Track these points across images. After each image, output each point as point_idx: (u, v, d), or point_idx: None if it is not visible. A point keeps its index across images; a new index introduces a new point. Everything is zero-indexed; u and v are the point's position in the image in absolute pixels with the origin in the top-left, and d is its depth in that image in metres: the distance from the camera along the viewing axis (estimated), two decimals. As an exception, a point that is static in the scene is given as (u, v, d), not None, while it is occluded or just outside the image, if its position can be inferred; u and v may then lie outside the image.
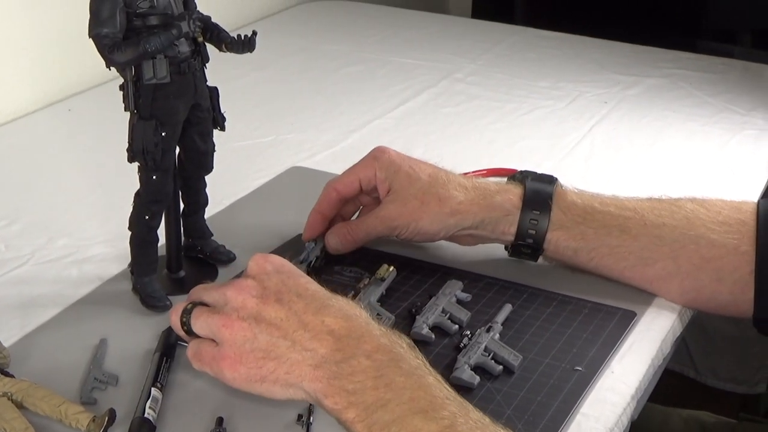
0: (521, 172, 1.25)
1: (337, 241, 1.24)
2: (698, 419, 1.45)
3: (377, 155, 1.24)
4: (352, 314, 0.93)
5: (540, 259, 1.24)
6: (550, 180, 1.23)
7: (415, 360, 0.91)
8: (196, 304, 0.98)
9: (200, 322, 0.95)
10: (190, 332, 0.97)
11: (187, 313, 0.97)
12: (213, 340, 0.95)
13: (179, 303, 1.01)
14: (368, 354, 0.89)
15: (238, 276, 1.07)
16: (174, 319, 0.99)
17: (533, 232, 1.19)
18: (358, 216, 1.29)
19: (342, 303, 0.94)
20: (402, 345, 0.92)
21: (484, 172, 1.52)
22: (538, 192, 1.20)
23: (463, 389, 1.04)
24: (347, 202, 1.27)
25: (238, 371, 0.92)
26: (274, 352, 0.90)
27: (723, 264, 1.15)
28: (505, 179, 1.26)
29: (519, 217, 1.19)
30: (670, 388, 1.39)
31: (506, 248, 1.26)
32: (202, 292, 0.99)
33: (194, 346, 0.96)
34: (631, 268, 1.19)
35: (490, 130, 1.73)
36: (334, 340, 0.90)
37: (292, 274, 0.97)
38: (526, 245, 1.21)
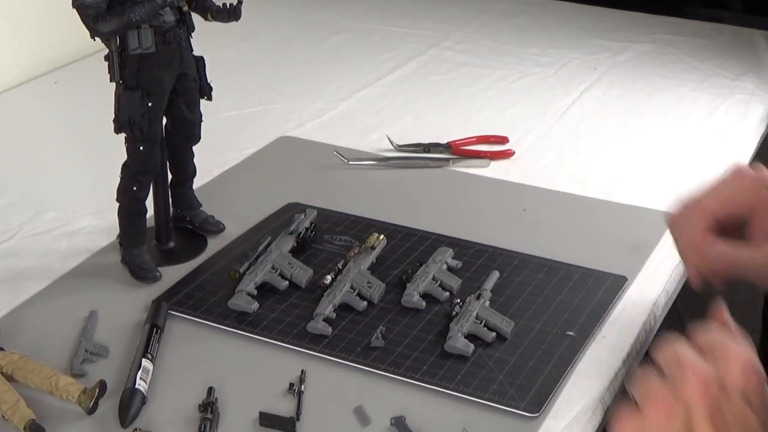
0: None
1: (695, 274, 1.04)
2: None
3: (761, 175, 1.02)
4: None
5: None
6: None
7: None
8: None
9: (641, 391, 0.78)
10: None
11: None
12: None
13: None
14: None
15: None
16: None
17: None
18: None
19: None
20: None
21: (474, 139, 1.52)
22: None
23: (457, 357, 1.04)
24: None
25: None
26: None
27: None
28: None
29: None
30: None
31: None
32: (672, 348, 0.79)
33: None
34: None
35: (479, 98, 1.73)
36: None
37: (758, 414, 0.76)
38: None
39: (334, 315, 1.10)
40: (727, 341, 0.77)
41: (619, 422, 0.77)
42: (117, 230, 1.20)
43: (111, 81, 1.11)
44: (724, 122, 1.63)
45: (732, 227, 1.03)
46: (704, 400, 0.73)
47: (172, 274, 1.18)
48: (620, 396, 1.02)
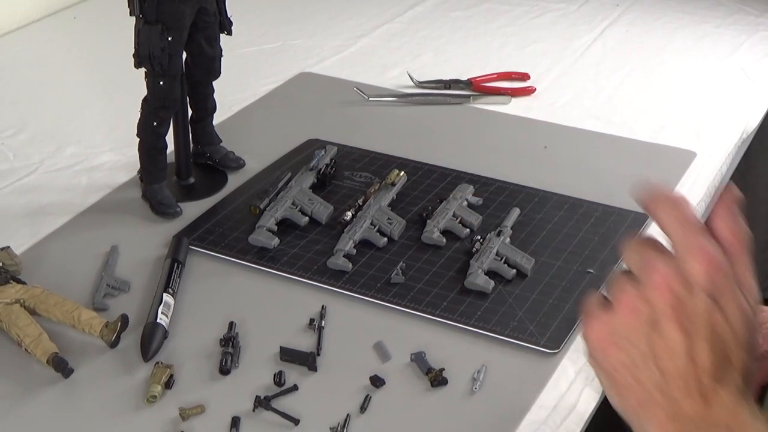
0: None
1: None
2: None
3: None
4: (746, 402, 0.73)
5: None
6: None
7: None
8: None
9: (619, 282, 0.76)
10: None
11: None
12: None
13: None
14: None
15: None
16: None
17: None
18: None
19: (741, 384, 0.74)
20: None
21: (495, 76, 1.51)
22: None
23: (477, 294, 1.04)
24: None
25: (604, 351, 0.75)
26: (639, 373, 0.74)
27: None
28: None
29: None
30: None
31: None
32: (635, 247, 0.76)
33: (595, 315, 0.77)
34: None
35: (500, 34, 1.71)
36: (705, 407, 0.72)
37: (726, 312, 0.74)
38: None
39: (355, 251, 1.10)
40: (693, 238, 0.74)
41: (587, 320, 0.76)
42: (137, 166, 1.20)
43: (131, 15, 1.10)
44: (748, 59, 1.61)
45: None
46: (667, 297, 0.72)
47: (192, 209, 1.18)
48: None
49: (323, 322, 1.00)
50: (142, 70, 1.12)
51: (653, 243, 0.75)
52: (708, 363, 0.72)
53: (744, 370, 0.73)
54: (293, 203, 1.16)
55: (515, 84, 1.50)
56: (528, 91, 1.48)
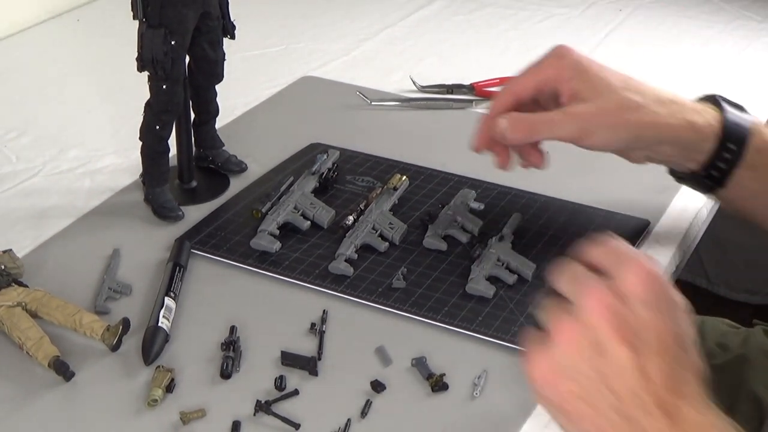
0: (714, 95, 1.11)
1: (511, 129, 1.05)
2: (714, 326, 1.45)
3: (562, 53, 1.08)
4: (711, 411, 0.71)
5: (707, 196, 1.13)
6: (742, 109, 1.09)
7: None
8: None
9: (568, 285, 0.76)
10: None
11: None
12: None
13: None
14: None
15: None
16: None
17: (723, 166, 1.07)
18: None
19: (701, 392, 0.72)
20: None
21: (497, 81, 1.51)
22: (737, 123, 1.07)
23: (478, 299, 1.04)
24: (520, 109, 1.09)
25: (552, 384, 0.74)
26: (592, 399, 0.72)
27: None
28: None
29: (715, 147, 1.06)
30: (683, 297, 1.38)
31: (673, 173, 1.15)
32: (568, 273, 0.76)
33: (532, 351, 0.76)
34: None
35: (503, 39, 1.71)
36: (672, 425, 0.69)
37: (669, 320, 0.72)
38: (710, 174, 1.08)
39: (356, 255, 1.10)
40: (623, 254, 0.74)
41: (529, 360, 0.75)
42: (140, 169, 1.20)
43: (134, 19, 1.10)
44: (751, 64, 1.61)
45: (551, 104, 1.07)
46: (605, 316, 0.70)
47: (194, 213, 1.18)
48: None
49: (324, 326, 1.00)
50: (145, 73, 1.12)
51: (583, 266, 0.74)
52: (662, 376, 0.70)
53: (699, 372, 0.71)
54: (295, 207, 1.16)
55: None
56: (530, 96, 1.48)
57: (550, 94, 1.07)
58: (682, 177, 1.13)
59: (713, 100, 1.10)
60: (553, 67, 1.07)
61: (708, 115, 1.07)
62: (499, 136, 1.06)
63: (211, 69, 1.19)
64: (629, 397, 0.69)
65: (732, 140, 1.06)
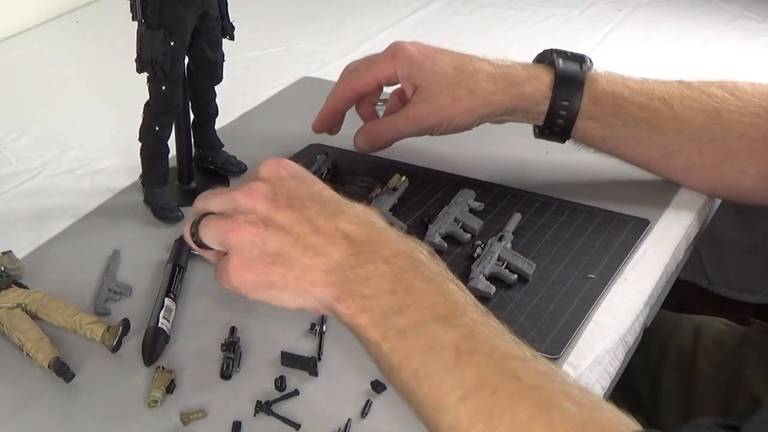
0: (552, 51, 1.23)
1: (364, 141, 1.23)
2: (710, 325, 1.45)
3: (396, 53, 1.20)
4: (368, 220, 0.86)
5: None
6: (582, 60, 1.21)
7: (435, 266, 0.84)
8: (206, 214, 0.89)
9: (208, 231, 0.88)
10: (201, 244, 0.89)
11: (195, 225, 0.89)
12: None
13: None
14: (386, 259, 0.82)
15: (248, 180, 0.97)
16: (186, 231, 0.91)
17: (562, 122, 1.19)
18: (384, 115, 1.25)
19: (358, 209, 0.87)
20: (422, 251, 0.85)
21: (497, 81, 1.51)
22: (568, 78, 1.19)
23: (478, 299, 1.03)
24: (363, 100, 1.25)
25: (244, 278, 0.85)
26: (283, 258, 0.83)
27: (748, 156, 1.16)
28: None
29: (549, 106, 1.19)
30: (682, 297, 1.39)
31: (534, 130, 1.25)
32: (209, 198, 0.90)
33: (218, 267, 0.89)
34: (656, 159, 1.21)
35: (502, 39, 1.71)
36: (349, 245, 0.83)
37: (306, 180, 0.89)
38: (554, 130, 1.21)
39: (356, 256, 1.10)
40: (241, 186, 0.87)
41: (221, 275, 0.87)
42: (139, 170, 1.20)
43: (133, 20, 1.10)
44: (751, 64, 1.61)
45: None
46: (261, 198, 0.85)
47: (194, 214, 1.18)
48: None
49: (324, 327, 1.00)
50: (145, 74, 1.12)
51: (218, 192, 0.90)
52: (317, 210, 0.85)
53: (338, 199, 0.87)
54: (295, 208, 1.15)
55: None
56: (530, 96, 1.48)
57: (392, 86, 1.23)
58: (536, 133, 1.25)
59: (550, 58, 1.21)
60: (388, 68, 1.20)
61: (538, 81, 1.18)
62: (360, 150, 1.24)
63: (210, 70, 1.19)
64: (308, 239, 0.83)
65: (564, 98, 1.18)
